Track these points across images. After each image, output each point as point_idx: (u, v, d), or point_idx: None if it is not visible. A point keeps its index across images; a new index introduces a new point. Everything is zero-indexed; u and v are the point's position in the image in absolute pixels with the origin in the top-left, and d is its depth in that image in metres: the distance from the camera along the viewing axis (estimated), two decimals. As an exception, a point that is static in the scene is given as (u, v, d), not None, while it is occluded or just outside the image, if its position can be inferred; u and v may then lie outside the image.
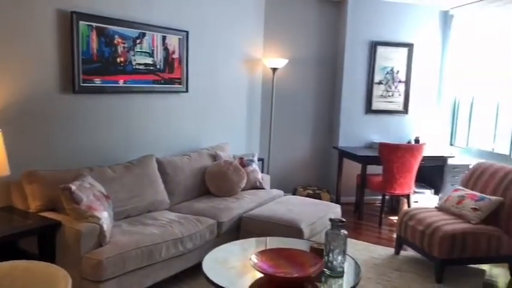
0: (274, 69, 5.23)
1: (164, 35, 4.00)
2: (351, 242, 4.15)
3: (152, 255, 2.85)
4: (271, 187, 4.73)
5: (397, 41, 5.65)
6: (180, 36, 4.17)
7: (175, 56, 4.15)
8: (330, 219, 2.49)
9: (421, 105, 5.85)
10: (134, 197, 3.36)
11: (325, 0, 5.59)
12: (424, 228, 3.51)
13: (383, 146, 4.75)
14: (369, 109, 5.69)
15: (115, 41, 3.55)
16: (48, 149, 3.20)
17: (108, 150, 3.64)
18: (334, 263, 2.44)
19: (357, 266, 2.62)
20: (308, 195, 5.16)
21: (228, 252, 2.80)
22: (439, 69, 5.99)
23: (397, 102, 5.76)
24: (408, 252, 3.98)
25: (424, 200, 5.32)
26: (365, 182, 5.04)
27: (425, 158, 4.90)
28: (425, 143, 5.07)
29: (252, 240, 3.06)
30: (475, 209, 3.50)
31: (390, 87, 5.72)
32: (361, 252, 3.97)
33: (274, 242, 2.95)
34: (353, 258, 2.71)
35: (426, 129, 5.90)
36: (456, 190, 3.88)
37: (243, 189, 4.24)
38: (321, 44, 5.66)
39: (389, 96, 5.73)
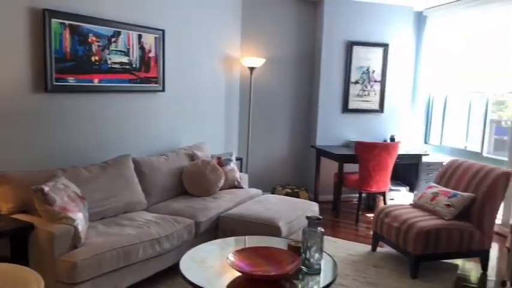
0: (251, 69, 5.23)
1: (140, 33, 3.95)
2: (328, 239, 4.20)
3: (129, 256, 2.81)
4: (250, 186, 4.73)
5: (372, 41, 5.73)
6: (156, 35, 4.13)
7: (152, 54, 4.11)
8: (307, 217, 2.51)
9: (396, 105, 5.94)
10: (110, 198, 3.31)
11: (302, 0, 5.63)
12: (400, 225, 3.58)
13: (359, 145, 4.81)
14: (345, 108, 5.75)
15: (89, 40, 3.50)
16: (20, 150, 3.12)
17: (83, 150, 3.58)
18: (312, 260, 2.46)
19: (334, 263, 2.65)
20: (287, 194, 5.20)
21: (206, 251, 2.79)
22: (414, 69, 6.12)
23: (373, 102, 5.85)
24: (384, 248, 4.04)
25: (399, 197, 5.42)
26: (342, 180, 5.10)
27: (400, 156, 4.99)
28: (400, 141, 5.17)
29: (231, 239, 3.06)
30: (448, 206, 3.58)
31: (366, 87, 5.80)
32: (339, 249, 4.01)
33: (252, 241, 2.95)
34: (330, 256, 2.73)
35: (401, 127, 6.00)
36: (430, 187, 3.96)
37: (221, 189, 4.23)
38: (298, 43, 5.70)
39: (365, 95, 5.81)
